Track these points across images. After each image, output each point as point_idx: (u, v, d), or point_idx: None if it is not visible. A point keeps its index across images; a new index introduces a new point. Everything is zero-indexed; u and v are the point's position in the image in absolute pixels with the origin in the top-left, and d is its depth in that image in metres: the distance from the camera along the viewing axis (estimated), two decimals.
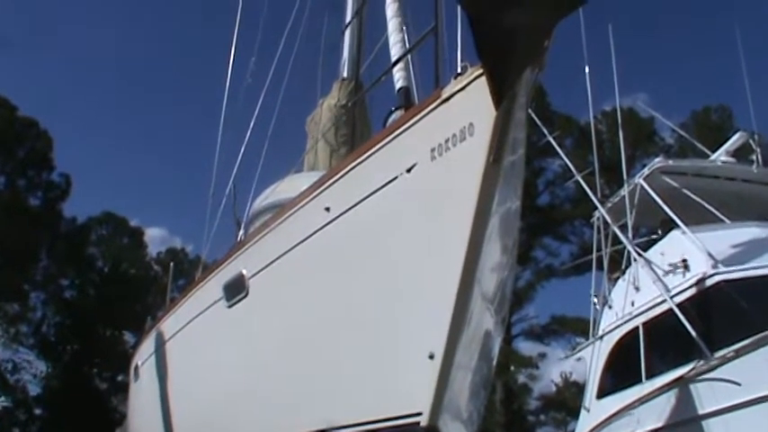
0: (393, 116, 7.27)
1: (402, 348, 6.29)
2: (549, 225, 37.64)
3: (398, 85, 9.50)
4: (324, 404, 7.15)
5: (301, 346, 7.53)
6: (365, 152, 6.94)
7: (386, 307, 6.55)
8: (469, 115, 5.84)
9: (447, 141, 6.00)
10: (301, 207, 7.62)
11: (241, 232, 11.44)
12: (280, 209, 8.37)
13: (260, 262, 8.14)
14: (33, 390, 43.98)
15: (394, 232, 6.49)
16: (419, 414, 6.08)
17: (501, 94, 5.48)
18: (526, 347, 39.23)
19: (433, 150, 6.12)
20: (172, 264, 22.01)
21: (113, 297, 42.25)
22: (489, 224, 5.92)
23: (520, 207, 7.57)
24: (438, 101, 6.15)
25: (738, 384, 10.06)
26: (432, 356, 5.95)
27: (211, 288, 9.22)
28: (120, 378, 40.37)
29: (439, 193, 6.06)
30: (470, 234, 5.78)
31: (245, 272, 8.39)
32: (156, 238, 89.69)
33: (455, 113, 5.99)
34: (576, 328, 27.44)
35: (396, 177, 6.43)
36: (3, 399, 43.23)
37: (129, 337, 43.88)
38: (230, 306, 8.66)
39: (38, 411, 44.09)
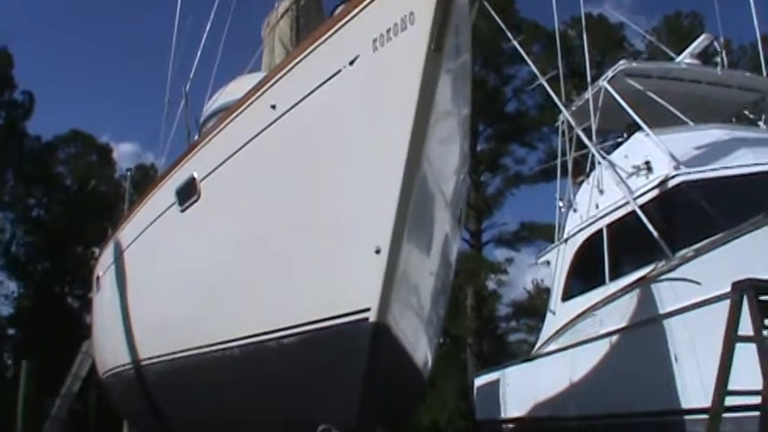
0: (339, 10, 7.09)
1: (350, 244, 6.28)
2: (517, 132, 37.31)
3: None
4: (274, 305, 7.15)
5: (251, 247, 7.52)
6: (308, 47, 6.82)
7: (332, 202, 6.52)
8: (410, 4, 5.75)
9: (388, 31, 5.91)
10: (248, 106, 7.51)
11: (196, 138, 11.28)
12: (227, 110, 8.23)
13: (210, 164, 8.05)
14: (5, 310, 44.01)
15: (338, 126, 6.42)
16: (367, 310, 6.07)
17: None
18: (497, 255, 39.52)
19: (374, 41, 6.02)
20: (129, 172, 21.69)
21: (82, 215, 41.83)
22: (433, 116, 5.84)
23: (469, 112, 7.49)
24: None
25: (698, 283, 10.09)
26: (378, 251, 5.92)
27: (165, 194, 9.15)
28: (91, 296, 40.21)
29: (382, 84, 5.97)
30: (413, 125, 5.70)
31: (195, 175, 8.31)
32: (127, 154, 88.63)
33: (396, 3, 5.89)
34: (546, 235, 27.49)
35: (339, 71, 6.33)
36: None
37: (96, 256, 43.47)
38: (183, 210, 8.60)
39: (11, 331, 44.15)
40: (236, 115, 7.69)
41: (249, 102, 7.48)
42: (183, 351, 8.83)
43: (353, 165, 6.28)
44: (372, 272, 5.98)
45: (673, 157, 12.07)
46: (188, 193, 8.44)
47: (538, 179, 35.12)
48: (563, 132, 17.50)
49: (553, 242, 17.57)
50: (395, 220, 5.86)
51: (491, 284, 36.99)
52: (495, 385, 18.32)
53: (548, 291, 20.93)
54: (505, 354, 35.18)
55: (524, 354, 25.03)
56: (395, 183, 5.83)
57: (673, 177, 11.89)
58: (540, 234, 33.07)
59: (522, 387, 16.60)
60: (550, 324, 15.92)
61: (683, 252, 10.72)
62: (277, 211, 7.14)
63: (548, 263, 17.60)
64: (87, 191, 46.60)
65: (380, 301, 6.02)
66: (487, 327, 37.71)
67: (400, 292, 6.30)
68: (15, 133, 42.48)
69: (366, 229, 6.09)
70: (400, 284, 6.22)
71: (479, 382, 20.77)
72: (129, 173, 21.82)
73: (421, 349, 8.09)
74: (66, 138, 48.07)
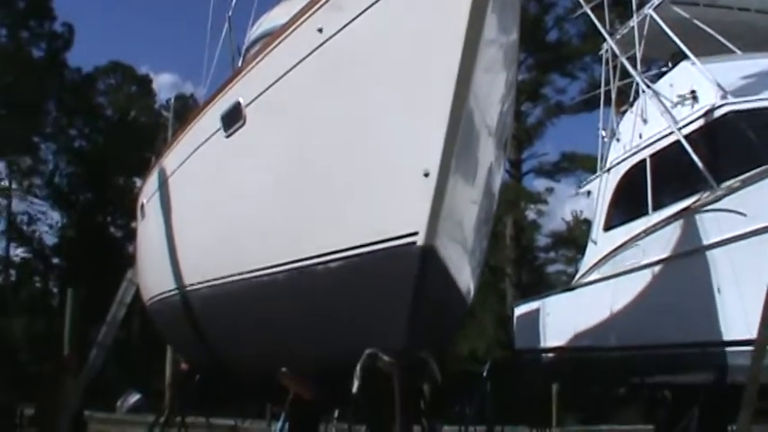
0: None
1: (398, 167, 6.24)
2: (558, 61, 36.80)
3: None
4: (322, 228, 7.15)
5: (298, 171, 7.48)
6: None
7: (380, 126, 6.46)
8: None
9: None
10: (294, 30, 7.40)
11: (240, 64, 11.22)
12: (272, 35, 8.15)
13: (255, 89, 7.98)
14: (50, 240, 44.79)
15: (387, 49, 6.34)
16: (415, 234, 6.06)
17: None
18: (537, 185, 39.51)
19: None
20: (172, 99, 21.79)
21: (123, 145, 42.19)
22: (482, 40, 5.76)
23: (517, 39, 7.40)
24: None
25: (743, 215, 9.99)
26: (427, 174, 5.90)
27: (209, 119, 9.11)
28: (133, 225, 40.66)
29: (432, 5, 5.88)
30: (463, 48, 5.64)
31: (241, 100, 8.24)
32: (167, 85, 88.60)
33: None
34: (586, 165, 27.29)
35: None
36: (21, 250, 44.06)
37: (140, 184, 43.71)
38: (228, 136, 8.56)
39: (55, 260, 44.96)
40: (282, 39, 7.58)
41: (295, 25, 7.36)
42: (228, 276, 8.89)
43: (402, 88, 6.21)
44: (421, 195, 5.97)
45: (719, 86, 11.88)
46: (233, 118, 8.38)
47: (579, 109, 34.83)
48: (606, 61, 17.24)
49: (594, 172, 17.46)
50: (444, 143, 5.82)
51: (530, 215, 37.15)
52: (534, 315, 18.34)
53: (587, 222, 20.96)
54: (544, 284, 35.29)
55: (563, 284, 25.07)
56: (444, 106, 5.77)
57: (719, 107, 11.71)
58: (581, 164, 32.88)
59: (563, 316, 16.60)
60: (592, 254, 15.90)
61: (728, 183, 10.62)
62: (324, 135, 7.10)
63: (589, 193, 17.53)
64: (128, 121, 47.11)
65: (428, 225, 6.01)
66: (526, 257, 37.84)
67: (447, 217, 6.29)
68: (56, 65, 42.75)
69: (415, 152, 6.05)
70: (447, 210, 6.21)
71: (519, 311, 20.78)
72: (170, 101, 21.96)
73: (465, 277, 8.10)
74: (105, 69, 48.59)
